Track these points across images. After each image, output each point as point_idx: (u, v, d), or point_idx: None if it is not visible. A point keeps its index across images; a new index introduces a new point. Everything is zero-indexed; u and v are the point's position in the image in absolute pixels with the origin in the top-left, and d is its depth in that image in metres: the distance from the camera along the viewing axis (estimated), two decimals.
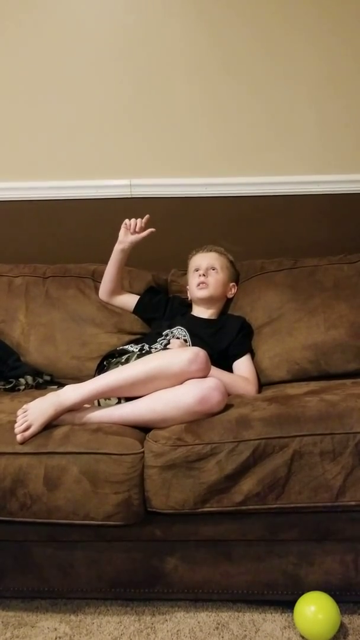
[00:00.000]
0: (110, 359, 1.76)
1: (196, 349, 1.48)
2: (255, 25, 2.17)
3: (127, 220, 1.92)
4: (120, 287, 2.02)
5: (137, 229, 1.91)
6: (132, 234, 1.92)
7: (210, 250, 2.03)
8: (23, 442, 1.37)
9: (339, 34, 2.17)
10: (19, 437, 1.37)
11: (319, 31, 2.16)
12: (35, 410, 1.41)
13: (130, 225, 1.91)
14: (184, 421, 1.41)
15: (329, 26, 2.16)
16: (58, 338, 2.00)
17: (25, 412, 1.42)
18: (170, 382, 1.45)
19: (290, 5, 2.15)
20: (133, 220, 1.91)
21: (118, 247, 1.95)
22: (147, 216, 1.91)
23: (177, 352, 1.50)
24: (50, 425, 1.42)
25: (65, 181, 2.27)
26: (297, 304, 1.88)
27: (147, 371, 1.45)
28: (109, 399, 1.56)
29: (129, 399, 1.51)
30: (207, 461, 1.34)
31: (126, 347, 1.82)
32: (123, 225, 1.92)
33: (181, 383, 1.46)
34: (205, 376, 1.47)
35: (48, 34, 2.20)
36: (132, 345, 1.83)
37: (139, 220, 1.91)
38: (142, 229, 1.92)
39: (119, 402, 1.55)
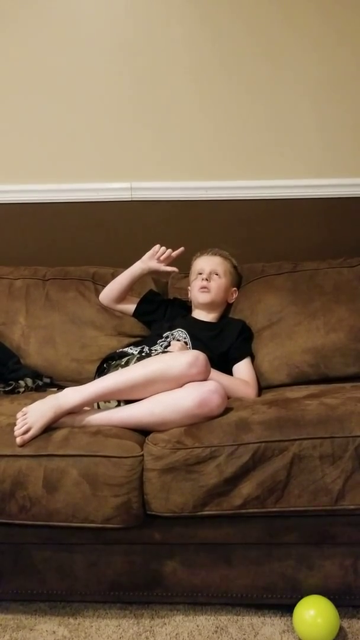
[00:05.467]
0: (110, 362, 1.76)
1: (196, 352, 1.48)
2: (256, 29, 2.17)
3: (158, 246, 1.91)
4: (125, 297, 2.01)
5: (162, 258, 1.90)
6: (157, 260, 1.91)
7: (215, 255, 2.03)
8: (23, 445, 1.37)
9: (340, 38, 2.17)
10: (18, 440, 1.37)
11: (320, 35, 2.17)
12: (35, 413, 1.41)
13: (157, 251, 1.90)
14: (184, 424, 1.41)
15: (330, 30, 2.17)
16: (58, 340, 2.00)
17: (24, 414, 1.42)
18: (170, 385, 1.45)
19: (291, 9, 2.16)
20: (163, 248, 1.91)
21: (140, 265, 1.94)
22: (180, 249, 1.90)
23: (177, 356, 1.50)
24: (49, 428, 1.42)
25: (65, 184, 2.28)
26: (297, 307, 1.88)
27: (147, 374, 1.45)
28: (109, 401, 1.56)
29: (128, 401, 1.51)
30: (207, 464, 1.34)
31: (126, 349, 1.82)
32: (153, 249, 1.92)
33: (181, 386, 1.46)
34: (205, 379, 1.47)
35: (49, 36, 2.20)
36: (131, 347, 1.83)
37: (169, 250, 1.90)
38: (168, 261, 1.91)
39: (118, 405, 1.55)
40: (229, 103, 2.23)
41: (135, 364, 1.55)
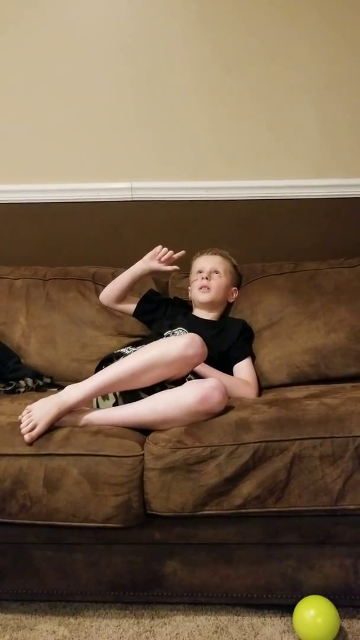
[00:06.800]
0: (108, 363, 1.75)
1: (192, 334, 1.50)
2: (257, 29, 2.17)
3: (159, 247, 1.91)
4: (125, 297, 2.01)
5: (163, 259, 1.90)
6: (158, 261, 1.91)
7: (215, 254, 2.03)
8: (31, 442, 1.37)
9: (341, 38, 2.18)
10: (26, 437, 1.37)
11: (320, 35, 2.17)
12: (40, 410, 1.41)
13: (159, 252, 1.90)
14: (185, 421, 1.41)
15: (331, 30, 2.17)
16: (58, 340, 2.00)
17: (29, 412, 1.42)
18: (170, 368, 1.47)
19: (292, 8, 2.16)
20: (165, 249, 1.90)
21: (141, 265, 1.94)
22: (181, 252, 1.90)
23: (173, 339, 1.52)
24: (51, 427, 1.41)
25: (66, 184, 2.28)
26: (298, 307, 1.88)
27: (146, 361, 1.46)
28: (107, 398, 1.56)
29: (128, 399, 1.52)
30: (207, 464, 1.34)
31: (123, 350, 1.81)
32: (154, 249, 1.92)
33: (180, 369, 1.48)
34: (201, 362, 1.51)
35: (49, 35, 2.21)
36: (129, 348, 1.82)
37: (170, 252, 1.90)
38: (169, 262, 1.91)
39: (116, 403, 1.55)
40: (229, 103, 2.23)
41: (133, 353, 1.56)
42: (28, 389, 1.87)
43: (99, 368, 1.77)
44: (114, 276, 2.03)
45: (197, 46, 2.20)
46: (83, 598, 1.49)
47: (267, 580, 1.43)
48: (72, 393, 1.45)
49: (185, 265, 2.04)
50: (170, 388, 1.50)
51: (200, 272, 1.98)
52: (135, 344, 1.86)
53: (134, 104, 2.24)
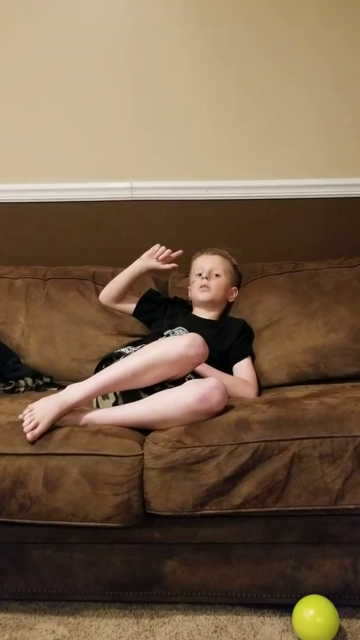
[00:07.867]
0: (108, 363, 1.76)
1: (193, 334, 1.50)
2: (257, 28, 2.18)
3: (157, 245, 1.92)
4: (125, 296, 2.01)
5: (160, 258, 1.91)
6: (155, 259, 1.92)
7: (215, 253, 2.03)
8: (33, 441, 1.37)
9: (342, 37, 2.18)
10: (28, 436, 1.37)
11: (321, 34, 2.18)
12: (41, 409, 1.41)
13: (157, 250, 1.91)
14: (185, 421, 1.41)
15: (330, 30, 2.17)
16: (58, 340, 2.00)
17: (31, 411, 1.42)
18: (170, 368, 1.47)
19: (292, 8, 2.16)
20: (162, 248, 1.91)
21: (139, 263, 1.95)
22: (179, 251, 1.92)
23: (175, 339, 1.52)
24: (50, 427, 1.41)
25: (66, 183, 2.28)
26: (297, 307, 1.89)
27: (147, 360, 1.47)
28: (107, 398, 1.57)
29: (128, 398, 1.52)
30: (207, 463, 1.34)
31: (123, 349, 1.81)
32: (152, 248, 1.92)
33: (181, 369, 1.48)
34: (202, 361, 1.51)
35: (49, 35, 2.21)
36: (129, 347, 1.83)
37: (168, 250, 1.91)
38: (167, 261, 1.92)
39: (116, 403, 1.55)
40: (229, 103, 2.23)
41: (134, 353, 1.56)
42: (28, 388, 1.87)
43: (98, 368, 1.78)
44: (113, 276, 2.03)
45: (197, 45, 2.20)
46: (82, 597, 1.49)
47: (267, 580, 1.43)
48: (74, 392, 1.45)
49: (184, 265, 2.04)
50: (170, 388, 1.50)
51: (200, 272, 1.98)
52: (135, 344, 1.86)
53: (133, 104, 2.24)
